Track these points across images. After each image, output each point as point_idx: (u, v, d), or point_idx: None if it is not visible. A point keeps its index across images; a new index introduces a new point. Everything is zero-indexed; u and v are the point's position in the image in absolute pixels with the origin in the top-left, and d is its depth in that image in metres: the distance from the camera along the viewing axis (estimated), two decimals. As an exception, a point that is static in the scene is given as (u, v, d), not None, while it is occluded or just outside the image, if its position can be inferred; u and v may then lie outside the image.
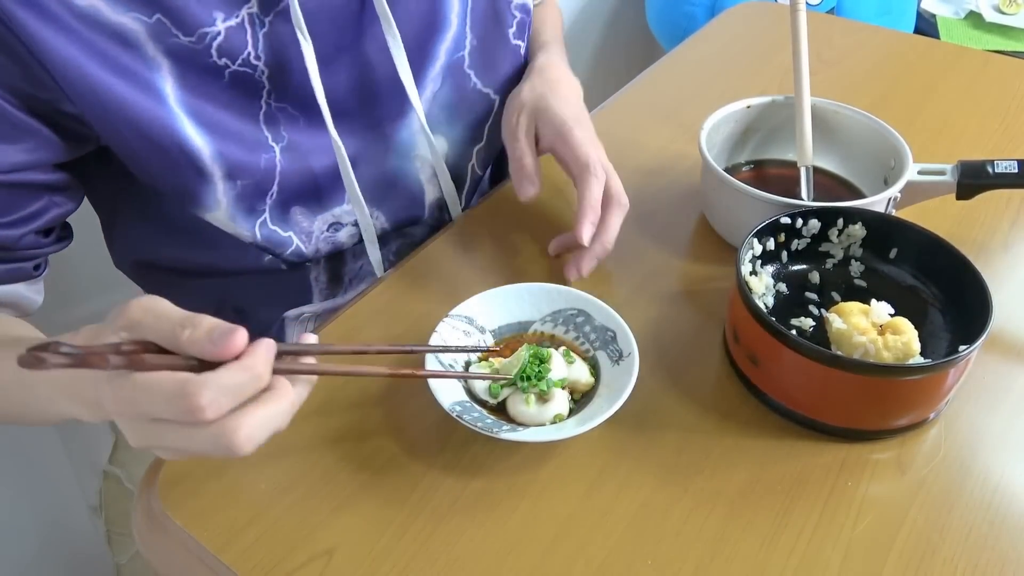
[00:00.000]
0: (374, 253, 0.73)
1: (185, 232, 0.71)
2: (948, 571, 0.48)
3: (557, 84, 0.73)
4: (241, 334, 0.42)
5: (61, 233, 0.66)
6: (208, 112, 0.61)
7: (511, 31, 0.77)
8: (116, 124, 0.58)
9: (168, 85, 0.59)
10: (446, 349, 0.57)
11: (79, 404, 0.49)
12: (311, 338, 0.48)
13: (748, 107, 0.76)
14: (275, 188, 0.66)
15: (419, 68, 0.71)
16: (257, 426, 0.42)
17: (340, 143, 0.67)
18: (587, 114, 0.72)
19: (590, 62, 2.00)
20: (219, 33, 0.60)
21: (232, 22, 0.60)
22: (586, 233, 0.62)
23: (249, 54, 0.62)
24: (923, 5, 1.85)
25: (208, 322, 0.42)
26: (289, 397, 0.44)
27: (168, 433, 0.42)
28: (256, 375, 0.42)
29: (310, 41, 0.63)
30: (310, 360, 0.47)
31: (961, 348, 0.53)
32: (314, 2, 0.63)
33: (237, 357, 0.41)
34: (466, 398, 0.55)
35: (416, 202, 0.76)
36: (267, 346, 0.43)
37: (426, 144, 0.73)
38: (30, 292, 0.64)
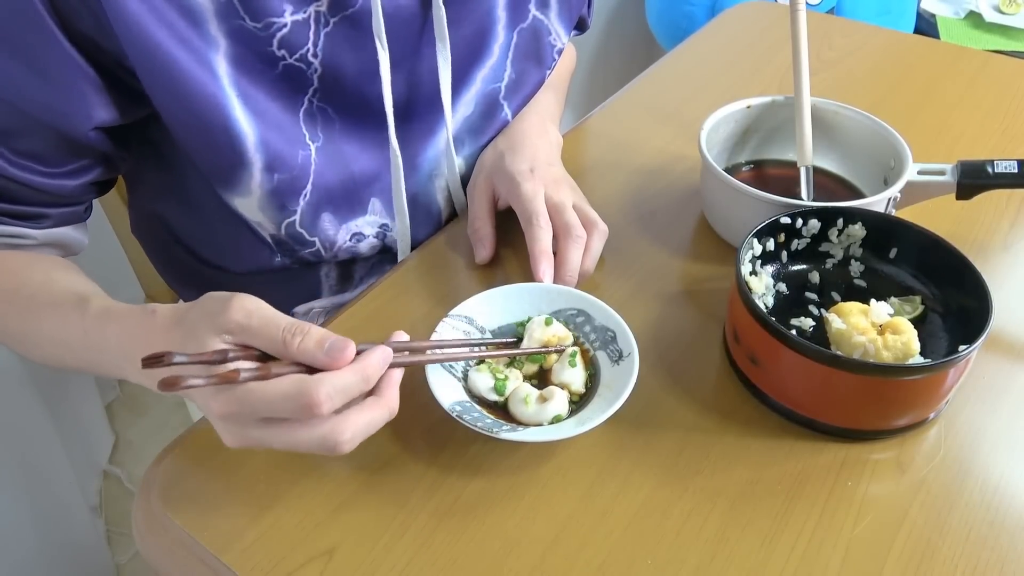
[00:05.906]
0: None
1: (205, 219, 0.73)
2: (948, 571, 0.48)
3: (522, 136, 0.75)
4: (351, 347, 0.45)
5: (106, 184, 0.68)
6: (258, 99, 0.62)
7: (548, 72, 0.80)
8: (169, 91, 0.59)
9: (223, 66, 0.60)
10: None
11: (147, 377, 0.50)
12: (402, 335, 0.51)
13: (748, 107, 0.76)
14: (309, 188, 0.67)
15: (456, 91, 0.73)
16: (361, 428, 0.45)
17: (398, 151, 0.68)
18: (551, 157, 0.74)
19: (590, 62, 2.00)
20: (285, 25, 0.61)
21: (299, 16, 0.61)
22: (545, 276, 0.64)
23: (308, 51, 0.63)
24: (923, 5, 1.85)
25: (317, 332, 0.44)
26: (391, 406, 0.47)
27: (275, 433, 0.45)
28: (367, 377, 0.45)
29: (387, 50, 0.65)
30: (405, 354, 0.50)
31: (961, 348, 0.53)
32: (386, 14, 0.64)
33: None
34: (466, 398, 0.55)
35: (433, 219, 0.77)
36: (382, 354, 0.46)
37: (448, 163, 0.74)
38: (78, 233, 0.68)
